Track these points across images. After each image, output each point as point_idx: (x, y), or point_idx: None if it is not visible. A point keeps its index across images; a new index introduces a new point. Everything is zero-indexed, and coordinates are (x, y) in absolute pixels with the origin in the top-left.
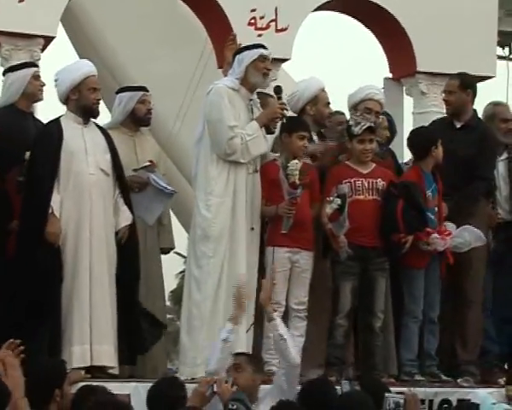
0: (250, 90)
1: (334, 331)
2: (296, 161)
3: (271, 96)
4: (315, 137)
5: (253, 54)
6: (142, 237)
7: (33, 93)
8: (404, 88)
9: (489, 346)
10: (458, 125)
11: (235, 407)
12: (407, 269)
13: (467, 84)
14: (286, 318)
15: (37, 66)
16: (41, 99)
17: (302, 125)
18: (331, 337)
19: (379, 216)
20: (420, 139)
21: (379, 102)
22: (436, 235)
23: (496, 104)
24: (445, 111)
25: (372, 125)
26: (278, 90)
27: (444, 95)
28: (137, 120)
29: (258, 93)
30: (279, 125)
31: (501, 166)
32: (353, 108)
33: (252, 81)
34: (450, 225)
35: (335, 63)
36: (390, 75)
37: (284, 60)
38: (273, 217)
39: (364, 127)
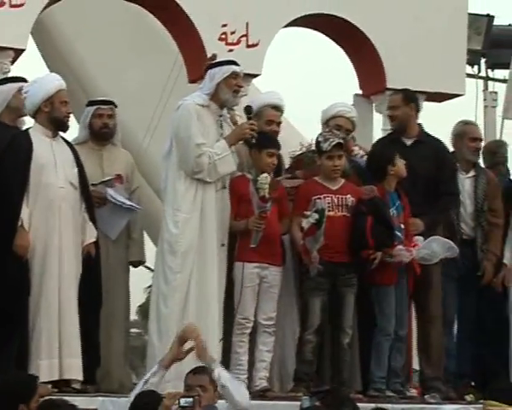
0: (220, 106)
1: (303, 347)
2: (266, 174)
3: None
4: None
5: (225, 70)
6: (104, 250)
7: (17, 107)
8: (374, 105)
9: (448, 363)
10: (408, 142)
11: None
12: (377, 286)
13: (410, 98)
14: (254, 333)
15: (25, 80)
16: (26, 114)
17: (271, 142)
18: (300, 353)
19: (348, 232)
20: (375, 160)
21: (350, 119)
22: (401, 247)
23: (465, 123)
24: None
25: (341, 141)
26: (249, 110)
27: (388, 111)
28: (94, 134)
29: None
30: None
31: (467, 184)
32: (325, 123)
33: (222, 98)
34: (418, 239)
35: (306, 79)
36: (360, 92)
37: (255, 75)
38: (242, 231)
39: (333, 143)
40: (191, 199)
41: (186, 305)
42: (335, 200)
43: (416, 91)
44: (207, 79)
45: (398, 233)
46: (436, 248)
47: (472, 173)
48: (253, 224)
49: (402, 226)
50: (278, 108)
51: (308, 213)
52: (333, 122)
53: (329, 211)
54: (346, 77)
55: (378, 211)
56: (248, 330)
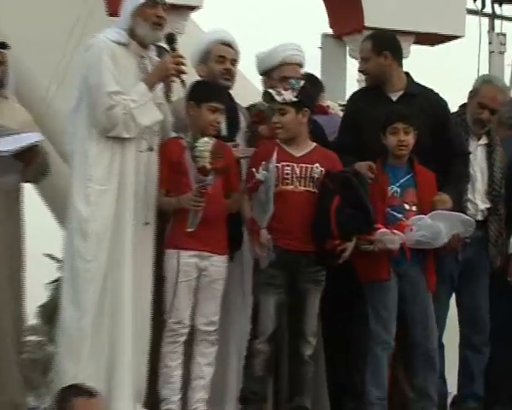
0: (141, 44)
1: (253, 359)
2: (207, 139)
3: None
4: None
5: None
6: None
7: None
8: (348, 48)
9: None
10: (395, 97)
11: None
12: (369, 284)
13: (381, 45)
14: (191, 342)
15: None
16: None
17: (215, 92)
18: (248, 367)
19: (312, 213)
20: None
21: (299, 64)
22: (384, 230)
23: (485, 81)
24: None
25: (271, 91)
26: (171, 38)
27: (359, 64)
28: None
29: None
30: None
31: (479, 153)
32: (265, 74)
33: (139, 33)
34: (419, 219)
35: (261, 15)
36: (330, 31)
37: (193, 7)
38: (176, 211)
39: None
40: (106, 165)
41: (101, 302)
42: (297, 170)
43: (401, 32)
44: (122, 9)
45: (398, 215)
46: (439, 225)
47: (484, 140)
48: (189, 201)
49: (407, 206)
50: (229, 45)
51: (258, 171)
52: (277, 74)
53: (288, 185)
54: (312, 13)
55: (348, 189)
56: (183, 338)
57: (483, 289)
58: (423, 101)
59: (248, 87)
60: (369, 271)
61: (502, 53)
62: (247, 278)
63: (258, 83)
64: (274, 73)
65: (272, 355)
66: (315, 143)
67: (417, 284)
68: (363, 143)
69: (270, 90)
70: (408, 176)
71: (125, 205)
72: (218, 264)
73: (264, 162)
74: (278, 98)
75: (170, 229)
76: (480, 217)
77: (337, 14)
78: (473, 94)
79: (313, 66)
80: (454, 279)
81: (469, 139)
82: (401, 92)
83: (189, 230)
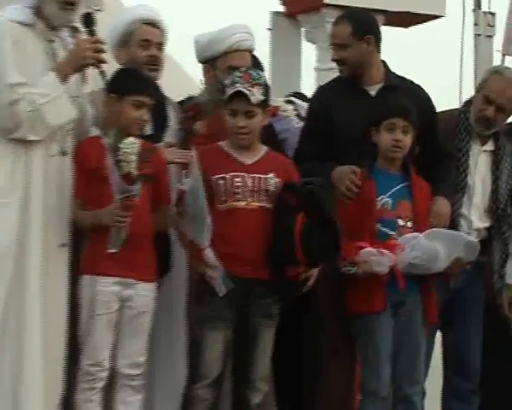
0: (49, 25)
1: (193, 407)
2: (133, 139)
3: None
4: None
5: None
6: None
7: None
8: (304, 30)
9: None
10: (373, 91)
11: None
12: (358, 316)
13: (364, 28)
14: (111, 387)
15: None
16: None
17: (140, 83)
18: None
19: (268, 234)
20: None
21: (249, 50)
22: (370, 249)
23: (496, 71)
24: None
25: (244, 90)
26: (89, 19)
27: (332, 51)
28: None
29: None
30: None
31: (482, 161)
32: (206, 62)
33: (46, 12)
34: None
35: None
36: (281, 9)
37: None
38: (94, 228)
39: (231, 91)
40: (7, 173)
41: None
42: (249, 182)
43: (369, 11)
44: None
45: (392, 232)
46: (436, 246)
47: (490, 146)
48: (111, 216)
49: (401, 221)
50: (156, 25)
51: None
52: (225, 62)
53: (238, 200)
54: None
55: (314, 204)
56: (101, 384)
57: (475, 326)
58: (405, 95)
59: (181, 76)
60: (359, 298)
61: (490, 36)
62: (178, 310)
63: (193, 70)
64: (219, 61)
65: (216, 404)
66: (266, 147)
67: (411, 317)
68: (338, 149)
69: (243, 89)
70: (402, 185)
71: (32, 222)
72: (144, 293)
73: (184, 171)
74: (253, 100)
75: (86, 250)
76: (474, 237)
77: None
78: (480, 87)
79: (261, 51)
80: (441, 311)
81: (471, 142)
82: (380, 85)
83: (111, 251)
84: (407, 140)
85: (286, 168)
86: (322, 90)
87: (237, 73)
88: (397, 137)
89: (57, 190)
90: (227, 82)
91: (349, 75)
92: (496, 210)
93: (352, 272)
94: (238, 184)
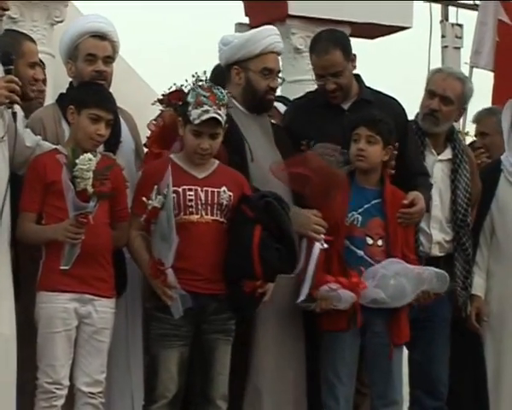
0: None
1: None
2: (90, 156)
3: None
4: None
5: None
6: None
7: None
8: None
9: None
10: (346, 105)
11: None
12: (325, 333)
13: (348, 48)
14: (70, 406)
15: None
16: None
17: (98, 96)
18: None
19: (222, 248)
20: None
21: (281, 53)
22: (330, 285)
23: (437, 71)
24: None
25: (218, 116)
26: (7, 57)
27: (324, 81)
28: None
29: None
30: None
31: (437, 170)
32: (236, 63)
33: None
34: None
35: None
36: (245, 20)
37: None
38: (48, 243)
39: (205, 117)
40: None
41: None
42: (202, 195)
43: (334, 22)
44: None
45: (359, 251)
46: (403, 282)
47: (447, 155)
48: (64, 232)
49: (370, 240)
50: (103, 37)
51: (151, 198)
52: (260, 64)
53: (191, 214)
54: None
55: (271, 216)
56: (60, 402)
57: (442, 342)
58: (380, 109)
59: (142, 87)
60: (324, 315)
61: (457, 49)
62: (134, 326)
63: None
64: (252, 63)
65: None
66: (217, 161)
67: (381, 337)
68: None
69: (215, 115)
70: (375, 201)
71: None
72: (103, 309)
73: (156, 186)
74: (222, 123)
75: (42, 266)
76: (436, 251)
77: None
78: (425, 88)
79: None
80: None
81: (425, 152)
82: (353, 99)
83: (63, 268)
84: (372, 150)
85: (238, 182)
86: (292, 109)
87: (203, 92)
88: (360, 146)
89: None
90: (190, 99)
91: (341, 100)
92: (455, 221)
93: (311, 309)
94: (191, 197)
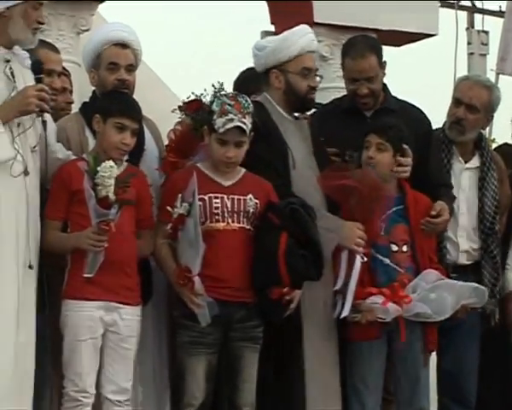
0: (7, 46)
1: None
2: (111, 163)
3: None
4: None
5: None
6: None
7: None
8: None
9: None
10: (369, 113)
11: None
12: (350, 344)
13: (381, 54)
14: None
15: None
16: None
17: (123, 105)
18: None
19: (249, 256)
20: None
21: (316, 51)
22: (375, 297)
23: (464, 79)
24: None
25: (244, 125)
26: (37, 66)
27: (357, 85)
28: None
29: None
30: None
31: (465, 179)
32: (274, 67)
33: (13, 36)
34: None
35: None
36: (271, 28)
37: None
38: (71, 251)
39: (230, 126)
40: None
41: None
42: (228, 203)
43: (360, 29)
44: None
45: (386, 259)
46: (444, 296)
47: (475, 163)
48: (87, 241)
49: (395, 247)
50: (125, 46)
51: (175, 206)
52: (299, 64)
53: (218, 222)
54: (248, 6)
55: (296, 223)
56: (87, 409)
57: (471, 351)
58: (404, 119)
59: (165, 94)
60: (353, 325)
61: (483, 55)
62: (160, 335)
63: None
64: (290, 64)
65: None
66: (244, 169)
67: (409, 344)
68: None
69: (240, 124)
70: (397, 207)
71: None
72: (129, 317)
73: (180, 194)
74: (247, 131)
75: (67, 274)
76: (463, 259)
77: (280, 7)
78: (452, 96)
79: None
80: None
81: (452, 161)
82: (376, 107)
83: (87, 275)
84: (381, 158)
85: (264, 189)
86: (320, 113)
87: (228, 101)
88: (369, 154)
89: (24, 210)
90: (215, 108)
91: (371, 108)
92: (483, 229)
93: (357, 320)
94: (217, 205)
